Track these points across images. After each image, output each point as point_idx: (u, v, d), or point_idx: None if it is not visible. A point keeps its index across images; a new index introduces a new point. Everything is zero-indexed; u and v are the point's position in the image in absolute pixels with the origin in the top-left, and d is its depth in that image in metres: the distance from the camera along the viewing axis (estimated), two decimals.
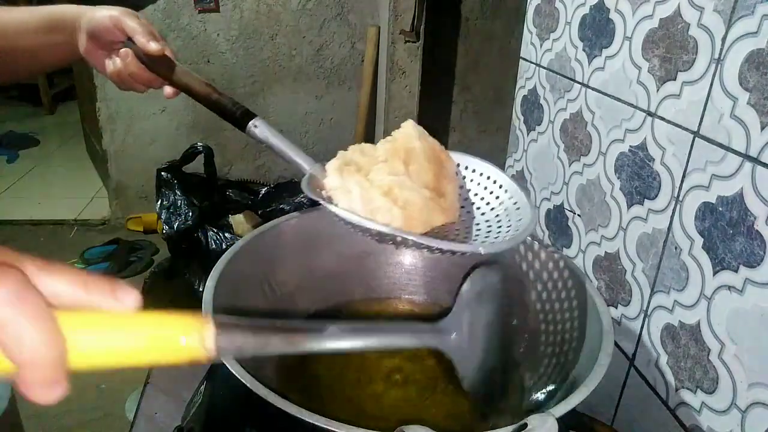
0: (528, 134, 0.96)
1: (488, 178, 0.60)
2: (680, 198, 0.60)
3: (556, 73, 0.86)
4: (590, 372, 0.46)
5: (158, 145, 2.40)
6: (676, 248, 0.61)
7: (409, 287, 0.73)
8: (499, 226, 0.55)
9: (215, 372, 0.62)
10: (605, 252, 0.74)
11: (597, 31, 0.74)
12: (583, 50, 0.78)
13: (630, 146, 0.68)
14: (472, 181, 0.61)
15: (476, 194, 0.60)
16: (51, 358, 0.23)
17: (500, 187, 0.58)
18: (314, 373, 0.60)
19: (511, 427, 0.39)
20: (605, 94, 0.73)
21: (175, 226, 1.70)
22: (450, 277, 0.71)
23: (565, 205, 0.84)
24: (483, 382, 0.48)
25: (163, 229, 1.74)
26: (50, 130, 3.89)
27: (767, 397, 0.50)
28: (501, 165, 1.10)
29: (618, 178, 0.71)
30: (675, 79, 0.61)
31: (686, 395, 0.60)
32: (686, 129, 0.59)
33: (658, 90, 0.63)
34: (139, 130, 2.37)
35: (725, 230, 0.54)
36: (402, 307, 0.72)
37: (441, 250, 0.48)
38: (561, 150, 0.85)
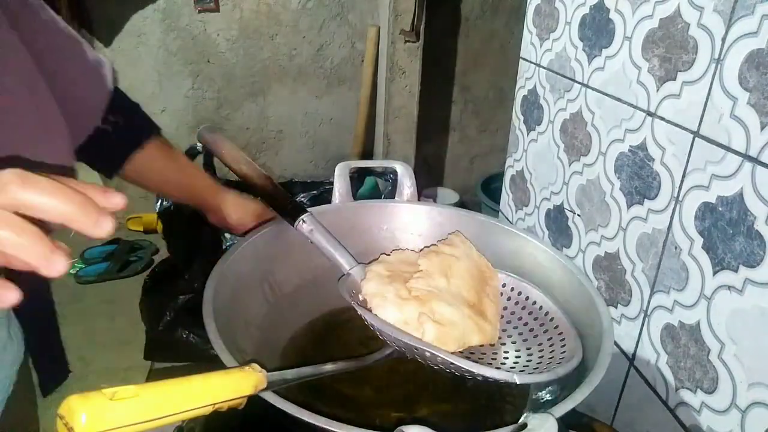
0: (528, 134, 0.96)
1: (534, 303, 0.59)
2: (680, 198, 0.60)
3: (556, 73, 0.86)
4: (590, 372, 0.46)
5: None
6: (676, 248, 0.61)
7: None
8: (541, 354, 0.53)
9: None
10: (605, 252, 0.74)
11: (597, 31, 0.74)
12: (583, 50, 0.78)
13: (630, 146, 0.68)
14: (517, 303, 0.59)
15: (520, 318, 0.58)
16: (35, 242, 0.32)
17: (546, 314, 0.57)
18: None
19: (511, 427, 0.39)
20: (605, 94, 0.73)
21: (174, 227, 1.70)
22: None
23: (565, 205, 0.84)
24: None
25: (162, 229, 1.74)
26: None
27: (767, 397, 0.50)
28: (501, 165, 1.10)
29: (618, 178, 0.71)
30: (675, 79, 0.61)
31: (686, 395, 0.60)
32: (686, 129, 0.59)
33: (658, 90, 0.63)
34: None
35: (725, 230, 0.54)
36: None
37: (471, 373, 0.46)
38: (561, 150, 0.85)
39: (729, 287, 0.54)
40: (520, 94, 0.98)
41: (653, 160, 0.64)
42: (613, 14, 0.71)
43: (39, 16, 0.57)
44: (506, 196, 1.06)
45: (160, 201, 1.77)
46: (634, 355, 0.69)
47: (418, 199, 0.75)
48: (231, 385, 0.36)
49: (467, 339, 0.51)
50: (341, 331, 0.67)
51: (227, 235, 1.70)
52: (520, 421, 0.39)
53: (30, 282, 0.32)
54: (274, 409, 0.41)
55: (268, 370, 0.40)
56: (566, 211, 0.84)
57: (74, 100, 0.60)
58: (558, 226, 0.87)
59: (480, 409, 0.58)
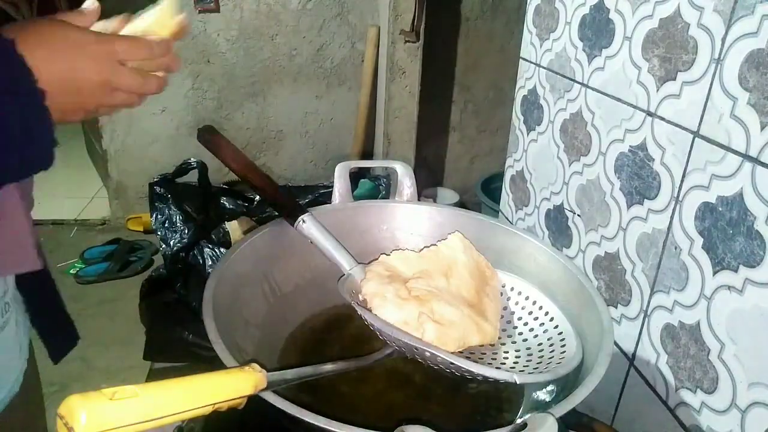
0: (528, 134, 0.96)
1: (534, 303, 0.59)
2: (680, 198, 0.60)
3: (556, 73, 0.86)
4: (590, 372, 0.46)
5: (158, 145, 2.40)
6: (676, 248, 0.61)
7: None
8: (541, 354, 0.53)
9: None
10: (605, 252, 0.74)
11: (597, 31, 0.74)
12: (583, 50, 0.78)
13: (630, 146, 0.68)
14: (517, 303, 0.60)
15: (520, 318, 0.58)
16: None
17: (546, 314, 0.57)
18: None
19: (511, 427, 0.39)
20: (605, 94, 0.73)
21: (172, 244, 1.70)
22: None
23: (565, 205, 0.84)
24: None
25: (160, 246, 1.73)
26: None
27: (767, 397, 0.50)
28: (501, 165, 1.10)
29: (618, 178, 0.71)
30: (675, 79, 0.61)
31: (686, 395, 0.60)
32: (686, 129, 0.59)
33: (657, 90, 0.63)
34: (139, 130, 2.37)
35: (725, 230, 0.54)
36: None
37: (471, 373, 0.46)
38: (561, 150, 0.85)
39: (729, 287, 0.54)
40: (520, 94, 0.98)
41: (653, 160, 0.64)
42: (613, 14, 0.71)
43: None
44: (506, 196, 1.06)
45: (155, 216, 1.75)
46: (634, 355, 0.69)
47: (418, 199, 0.75)
48: (231, 385, 0.36)
49: (467, 339, 0.51)
50: (341, 330, 0.67)
51: (224, 251, 1.69)
52: (520, 421, 0.39)
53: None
54: (274, 409, 0.41)
55: (267, 370, 0.40)
56: (566, 211, 0.84)
57: None
58: (558, 226, 0.87)
59: (480, 409, 0.58)
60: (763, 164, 0.50)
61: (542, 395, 0.56)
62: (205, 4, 2.18)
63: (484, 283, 0.58)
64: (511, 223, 1.03)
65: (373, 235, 0.72)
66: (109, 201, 2.59)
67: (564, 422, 0.41)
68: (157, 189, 1.80)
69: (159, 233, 1.72)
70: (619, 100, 0.70)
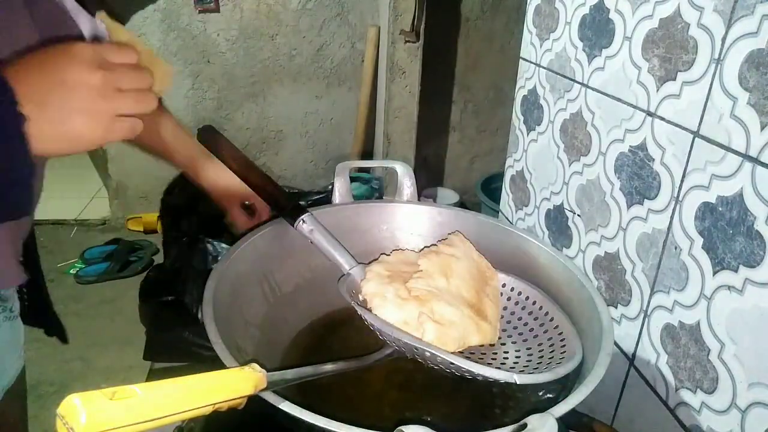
0: (528, 134, 0.96)
1: (534, 303, 0.59)
2: (680, 198, 0.60)
3: (556, 73, 0.86)
4: (590, 372, 0.46)
5: None
6: (676, 248, 0.61)
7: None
8: (540, 354, 0.53)
9: None
10: (605, 252, 0.74)
11: (597, 31, 0.74)
12: (583, 50, 0.78)
13: (630, 146, 0.68)
14: (517, 303, 0.60)
15: (520, 318, 0.58)
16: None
17: (546, 314, 0.57)
18: None
19: (511, 427, 0.39)
20: (605, 94, 0.73)
21: (179, 235, 1.69)
22: None
23: (565, 205, 0.84)
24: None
25: (164, 234, 1.72)
26: None
27: (767, 397, 0.50)
28: (501, 165, 1.10)
29: (618, 178, 0.71)
30: (675, 79, 0.61)
31: (686, 395, 0.60)
32: (686, 129, 0.59)
33: (657, 90, 0.63)
34: None
35: (725, 230, 0.54)
36: None
37: (471, 373, 0.46)
38: (561, 150, 0.85)
39: (729, 287, 0.54)
40: (520, 94, 0.98)
41: (653, 160, 0.64)
42: (613, 14, 0.71)
43: None
44: (506, 196, 1.06)
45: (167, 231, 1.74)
46: (634, 355, 0.69)
47: (418, 199, 0.75)
48: (231, 385, 0.36)
49: (467, 339, 0.51)
50: (341, 330, 0.67)
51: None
52: (521, 421, 0.39)
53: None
54: (275, 409, 0.41)
55: (268, 370, 0.40)
56: (566, 211, 0.84)
57: None
58: (558, 226, 0.87)
59: (480, 409, 0.58)
60: (763, 164, 0.50)
61: (543, 395, 0.56)
62: (205, 4, 2.18)
63: (484, 283, 0.58)
64: (511, 223, 1.03)
65: (373, 235, 0.72)
66: (109, 201, 2.59)
67: (564, 422, 0.41)
68: (170, 199, 1.80)
69: (165, 225, 1.72)
70: (619, 100, 0.70)
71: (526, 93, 0.96)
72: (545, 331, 0.56)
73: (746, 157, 0.52)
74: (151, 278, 1.72)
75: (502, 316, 0.58)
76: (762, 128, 0.50)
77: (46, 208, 2.72)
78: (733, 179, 0.53)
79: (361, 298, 0.54)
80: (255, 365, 0.40)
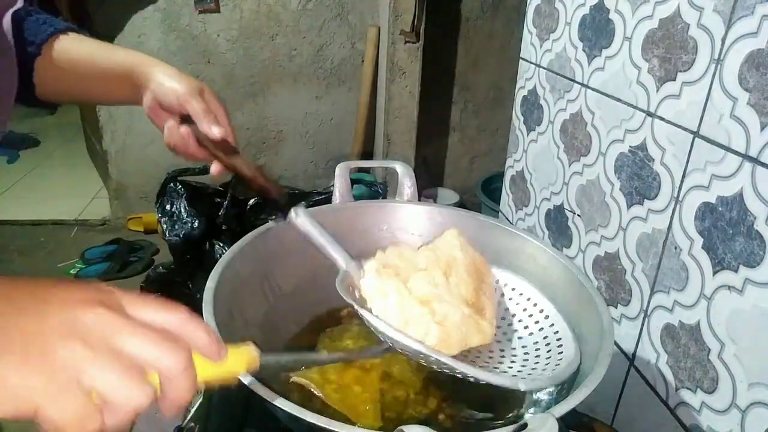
0: (528, 134, 0.96)
1: (529, 299, 0.58)
2: (680, 198, 0.60)
3: (556, 73, 0.86)
4: (590, 372, 0.46)
5: (158, 145, 2.40)
6: (675, 248, 0.61)
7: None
8: (537, 355, 0.53)
9: None
10: (605, 252, 0.74)
11: (597, 31, 0.74)
12: (583, 50, 0.78)
13: (630, 146, 0.68)
14: (511, 299, 0.59)
15: (514, 315, 0.58)
16: (189, 396, 0.31)
17: (541, 311, 0.57)
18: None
19: (511, 427, 0.39)
20: (605, 95, 0.73)
21: (181, 235, 1.70)
22: None
23: (565, 205, 0.84)
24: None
25: (164, 234, 1.73)
26: (50, 130, 3.89)
27: (767, 397, 0.50)
28: (501, 165, 1.10)
29: (618, 179, 0.71)
30: (675, 80, 0.61)
31: (686, 395, 0.60)
32: (686, 129, 0.59)
33: (657, 90, 0.63)
34: (139, 130, 2.37)
35: (725, 230, 0.54)
36: None
37: (476, 379, 0.46)
38: (561, 150, 0.85)
39: (729, 287, 0.54)
40: (520, 95, 0.98)
41: (653, 160, 0.64)
42: (613, 14, 0.71)
43: None
44: (506, 196, 1.06)
45: (160, 204, 1.76)
46: (634, 355, 0.69)
47: (418, 199, 0.75)
48: (228, 364, 0.36)
49: (468, 340, 0.51)
50: (341, 330, 0.67)
51: None
52: (521, 421, 0.39)
53: None
54: (275, 409, 0.42)
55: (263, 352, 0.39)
56: (566, 211, 0.84)
57: None
58: (558, 226, 0.87)
59: (480, 408, 0.58)
60: (763, 164, 0.50)
61: (541, 396, 0.56)
62: (205, 4, 2.18)
63: (481, 280, 0.57)
64: (511, 223, 1.03)
65: (373, 235, 0.72)
66: (110, 201, 2.59)
67: (564, 422, 0.41)
68: (172, 184, 1.81)
69: (163, 223, 1.72)
70: (619, 100, 0.70)
71: (526, 93, 0.96)
72: (541, 329, 0.56)
73: (746, 157, 0.52)
74: (152, 278, 1.72)
75: (504, 318, 0.58)
76: (762, 128, 0.50)
77: (46, 208, 2.73)
78: (733, 179, 0.53)
79: (358, 295, 0.54)
80: (251, 344, 0.39)
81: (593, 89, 0.76)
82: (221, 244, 1.69)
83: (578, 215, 0.81)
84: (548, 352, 0.53)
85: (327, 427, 0.39)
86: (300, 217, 0.60)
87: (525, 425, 0.39)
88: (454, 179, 2.66)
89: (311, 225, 0.60)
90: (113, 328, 0.29)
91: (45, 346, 0.27)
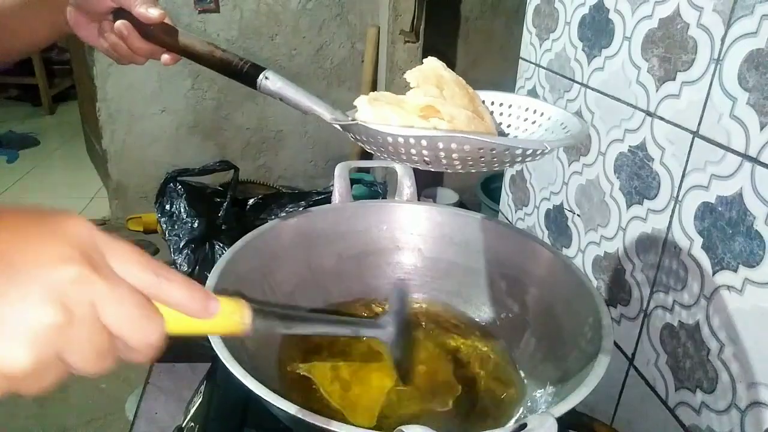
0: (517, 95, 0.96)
1: (519, 107, 0.57)
2: (680, 198, 0.60)
3: (556, 73, 0.86)
4: (590, 372, 0.46)
5: (158, 146, 2.40)
6: (675, 248, 0.61)
7: (408, 287, 0.73)
8: (543, 138, 0.52)
9: (215, 372, 0.62)
10: (605, 252, 0.75)
11: (596, 31, 0.75)
12: (583, 50, 0.78)
13: (629, 146, 0.68)
14: (501, 114, 0.58)
15: (509, 125, 0.57)
16: (159, 340, 0.30)
17: (534, 111, 0.56)
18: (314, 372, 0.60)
19: (510, 427, 0.39)
20: (605, 94, 0.73)
21: (181, 235, 1.70)
22: (450, 276, 0.71)
23: (565, 205, 0.84)
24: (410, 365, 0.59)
25: (164, 234, 1.73)
26: (50, 130, 3.89)
27: (767, 396, 0.51)
28: None
29: (617, 178, 0.71)
30: (674, 79, 0.61)
31: (686, 395, 0.60)
32: (685, 129, 0.59)
33: (657, 90, 0.63)
34: (139, 130, 2.37)
35: (725, 230, 0.54)
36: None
37: (504, 147, 0.42)
38: (560, 150, 0.85)
39: (728, 287, 0.54)
40: (519, 94, 0.98)
41: (653, 160, 0.64)
42: (612, 14, 0.71)
43: None
44: (506, 196, 1.06)
45: (160, 204, 1.76)
46: (633, 355, 0.69)
47: (418, 199, 0.75)
48: (218, 319, 0.33)
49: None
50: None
51: None
52: (520, 421, 0.39)
53: None
54: (275, 409, 0.42)
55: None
56: (566, 211, 0.84)
57: None
58: (558, 226, 0.87)
59: (480, 408, 0.58)
60: (762, 164, 0.50)
61: (541, 395, 0.56)
62: (205, 4, 2.18)
63: (471, 95, 0.56)
64: (511, 223, 1.03)
65: (372, 235, 0.72)
66: (109, 201, 2.59)
67: (564, 422, 0.41)
68: (171, 184, 1.81)
69: (162, 224, 1.72)
70: (618, 100, 0.70)
71: (526, 93, 0.96)
72: (540, 125, 0.54)
73: (746, 157, 0.52)
74: None
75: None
76: (761, 128, 0.50)
77: None
78: (733, 179, 0.53)
79: (351, 119, 0.50)
80: (242, 300, 0.36)
81: (593, 89, 0.76)
82: (221, 244, 1.69)
83: (578, 215, 0.81)
84: (552, 132, 0.52)
85: (327, 427, 0.39)
86: (270, 80, 0.57)
87: (524, 425, 0.39)
88: (453, 179, 2.66)
89: (284, 84, 0.57)
90: (92, 294, 0.27)
91: (21, 314, 0.25)
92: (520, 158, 0.44)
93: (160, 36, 0.59)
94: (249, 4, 2.23)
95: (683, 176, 0.60)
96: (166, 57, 0.61)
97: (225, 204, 1.85)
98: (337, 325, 0.50)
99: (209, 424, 0.56)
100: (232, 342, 0.47)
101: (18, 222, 0.27)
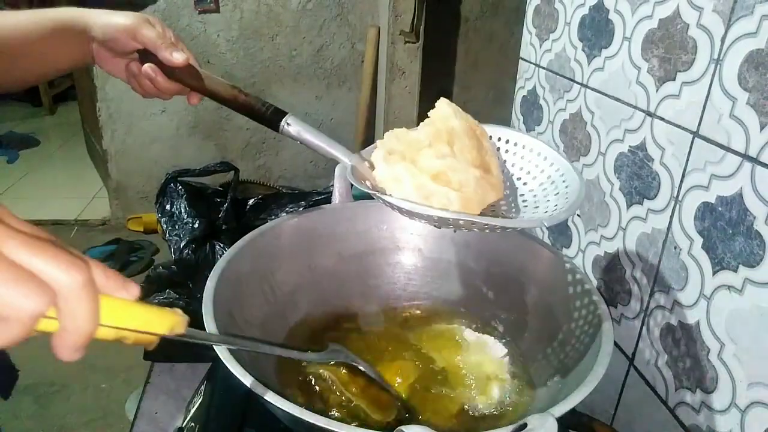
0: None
1: (524, 147, 0.59)
2: (680, 198, 0.60)
3: (556, 73, 0.86)
4: (590, 372, 0.46)
5: (158, 146, 2.40)
6: (675, 248, 0.61)
7: (408, 287, 0.73)
8: (546, 197, 0.54)
9: (215, 372, 0.62)
10: (605, 252, 0.75)
11: (596, 31, 0.75)
12: (583, 50, 0.78)
13: (629, 146, 0.68)
14: (507, 152, 0.60)
15: (513, 165, 0.59)
16: (92, 330, 0.29)
17: (538, 154, 0.57)
18: (314, 372, 0.60)
19: (511, 427, 0.39)
20: (605, 95, 0.73)
21: (181, 235, 1.70)
22: (449, 276, 0.71)
23: None
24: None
25: (164, 234, 1.73)
26: (50, 130, 3.89)
27: (766, 396, 0.51)
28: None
29: (617, 178, 0.71)
30: (674, 80, 0.61)
31: (685, 395, 0.60)
32: (685, 129, 0.59)
33: (657, 90, 0.63)
34: (139, 130, 2.37)
35: (725, 230, 0.54)
36: (401, 308, 0.72)
37: (504, 229, 0.48)
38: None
39: (728, 287, 0.54)
40: (519, 95, 0.98)
41: (653, 160, 0.64)
42: (612, 14, 0.71)
43: None
44: None
45: (160, 204, 1.75)
46: (633, 355, 0.69)
47: None
48: (147, 317, 0.34)
49: (486, 198, 0.51)
50: (341, 330, 0.67)
51: None
52: (520, 421, 0.40)
53: None
54: (275, 409, 0.42)
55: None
56: None
57: None
58: (557, 225, 0.87)
59: (480, 408, 0.58)
60: (762, 164, 0.50)
61: (543, 397, 0.56)
62: (205, 4, 2.19)
63: (480, 141, 0.57)
64: None
65: (372, 235, 0.72)
66: (109, 201, 2.59)
67: (564, 422, 0.41)
68: (172, 185, 1.80)
69: (163, 224, 1.72)
70: (618, 100, 0.70)
71: (526, 93, 0.96)
72: (542, 171, 0.56)
73: (746, 157, 0.52)
74: (152, 278, 1.72)
75: (508, 175, 0.59)
76: (761, 128, 0.50)
77: (46, 208, 2.73)
78: (733, 179, 0.53)
79: (369, 185, 0.52)
80: (178, 310, 0.37)
81: (593, 89, 0.76)
82: (221, 244, 1.69)
83: (578, 215, 0.81)
84: (555, 189, 0.54)
85: (327, 427, 0.39)
86: (292, 125, 0.59)
87: (524, 425, 0.39)
88: None
89: (305, 129, 0.59)
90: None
91: None
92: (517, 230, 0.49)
93: (186, 78, 0.61)
94: (249, 4, 2.23)
95: (683, 176, 0.60)
96: (194, 99, 0.64)
97: (225, 204, 1.85)
98: (281, 349, 0.50)
99: (209, 424, 0.56)
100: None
101: None
